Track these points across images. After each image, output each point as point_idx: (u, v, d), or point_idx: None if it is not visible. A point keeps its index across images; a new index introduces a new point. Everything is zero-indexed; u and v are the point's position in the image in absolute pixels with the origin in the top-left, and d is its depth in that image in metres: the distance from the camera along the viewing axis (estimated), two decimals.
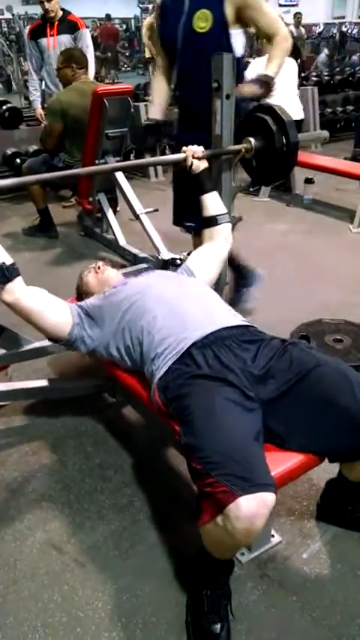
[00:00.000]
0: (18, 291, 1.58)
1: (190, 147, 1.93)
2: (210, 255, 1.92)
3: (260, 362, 1.45)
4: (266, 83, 2.22)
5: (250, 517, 1.11)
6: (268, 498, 1.13)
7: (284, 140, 1.97)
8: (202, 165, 1.94)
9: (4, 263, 1.53)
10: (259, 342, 1.51)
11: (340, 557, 1.58)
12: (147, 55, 9.00)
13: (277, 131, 1.96)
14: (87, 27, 4.82)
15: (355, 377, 1.38)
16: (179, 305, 1.58)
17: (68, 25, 4.51)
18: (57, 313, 1.68)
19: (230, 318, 1.59)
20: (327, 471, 1.73)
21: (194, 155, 1.90)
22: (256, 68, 4.24)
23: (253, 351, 1.47)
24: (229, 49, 2.20)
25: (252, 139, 2.02)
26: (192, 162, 1.91)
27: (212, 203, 1.97)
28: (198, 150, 1.92)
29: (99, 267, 1.95)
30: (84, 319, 1.73)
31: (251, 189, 4.86)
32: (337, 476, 1.64)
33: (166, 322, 1.54)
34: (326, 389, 1.35)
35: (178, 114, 2.50)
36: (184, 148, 1.94)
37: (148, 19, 8.76)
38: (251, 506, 1.11)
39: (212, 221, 1.94)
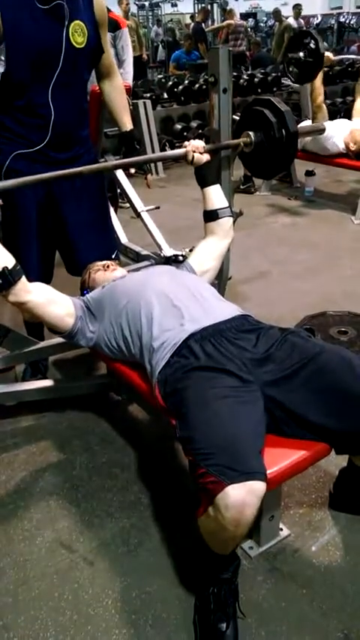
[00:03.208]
0: (23, 291, 1.59)
1: (191, 141, 1.94)
2: (210, 250, 1.93)
3: (260, 348, 1.45)
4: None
5: (239, 506, 1.11)
6: (256, 487, 1.13)
7: (283, 132, 1.96)
8: (204, 158, 1.94)
9: (6, 267, 1.53)
10: (258, 331, 1.52)
11: (349, 549, 1.58)
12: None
13: (276, 123, 1.95)
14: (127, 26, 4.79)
15: (359, 362, 1.38)
16: (177, 298, 1.58)
17: (109, 23, 4.49)
18: (60, 306, 1.71)
19: (228, 310, 1.60)
20: (335, 463, 1.73)
21: (196, 150, 1.91)
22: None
23: (253, 340, 1.48)
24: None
25: (251, 133, 2.02)
26: (193, 157, 1.91)
27: (214, 196, 1.97)
28: (199, 145, 1.93)
29: (108, 266, 1.97)
30: (86, 313, 1.75)
31: (242, 187, 4.85)
32: (348, 464, 1.64)
33: (164, 315, 1.55)
34: (331, 375, 1.35)
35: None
36: (186, 143, 1.95)
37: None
38: (239, 495, 1.11)
39: (213, 215, 1.95)
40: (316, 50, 3.70)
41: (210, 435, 1.22)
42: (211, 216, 1.96)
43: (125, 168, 2.76)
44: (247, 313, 1.63)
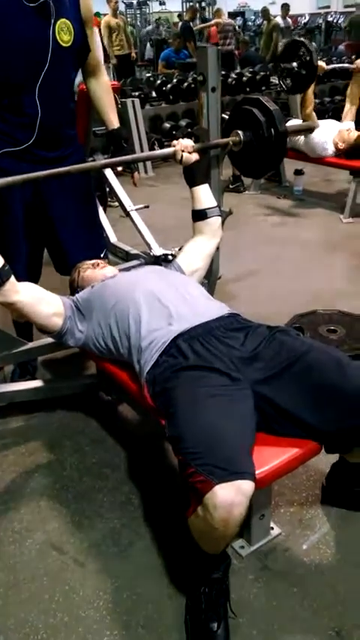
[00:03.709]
0: (11, 292, 1.58)
1: (180, 140, 1.93)
2: (198, 250, 1.93)
3: (248, 347, 1.46)
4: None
5: (227, 505, 1.11)
6: (244, 486, 1.13)
7: (272, 131, 1.96)
8: (193, 157, 1.93)
9: None
10: (247, 330, 1.53)
11: (339, 547, 1.58)
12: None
13: (265, 122, 1.95)
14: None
15: (347, 361, 1.39)
16: (166, 298, 1.59)
17: None
18: (49, 306, 1.70)
19: (216, 309, 1.61)
20: (325, 461, 1.73)
21: (184, 149, 1.90)
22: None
23: (241, 338, 1.49)
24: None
25: (240, 132, 2.01)
26: (182, 156, 1.90)
27: (203, 196, 1.97)
28: (188, 144, 1.92)
29: (98, 265, 1.97)
30: (75, 312, 1.75)
31: (231, 186, 4.84)
32: (339, 459, 1.65)
33: (152, 315, 1.55)
34: (319, 373, 1.36)
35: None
36: (174, 142, 1.94)
37: (106, 18, 8.46)
38: (227, 495, 1.11)
39: (202, 214, 1.95)
40: (310, 62, 3.68)
41: (199, 434, 1.22)
42: (199, 215, 1.95)
43: (113, 167, 2.74)
44: (235, 312, 1.63)
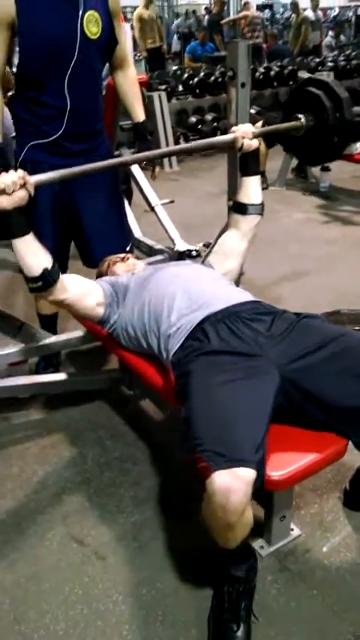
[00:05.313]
0: (61, 291, 1.60)
1: (239, 126, 1.83)
2: (229, 249, 1.87)
3: (275, 331, 1.46)
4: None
5: (224, 491, 1.12)
6: (242, 473, 1.13)
7: (338, 117, 1.85)
8: (254, 143, 1.82)
9: (46, 269, 1.52)
10: (274, 314, 1.54)
11: None
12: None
13: (331, 108, 1.85)
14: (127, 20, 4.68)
15: None
16: (196, 288, 1.61)
17: None
18: (93, 297, 1.72)
19: (242, 295, 1.63)
20: (348, 465, 1.72)
21: (245, 135, 1.79)
22: None
23: (268, 322, 1.49)
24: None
25: (302, 116, 1.93)
26: (243, 143, 1.79)
27: (252, 189, 1.87)
28: (248, 129, 1.80)
29: (128, 258, 1.99)
30: (114, 298, 1.75)
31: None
32: None
33: (182, 304, 1.57)
34: (349, 356, 1.35)
35: None
36: (234, 128, 1.83)
37: (139, 10, 8.21)
38: (224, 481, 1.12)
39: (243, 209, 1.86)
40: None
41: (205, 421, 1.25)
42: (241, 209, 1.86)
43: (151, 160, 2.69)
44: (260, 299, 1.64)
